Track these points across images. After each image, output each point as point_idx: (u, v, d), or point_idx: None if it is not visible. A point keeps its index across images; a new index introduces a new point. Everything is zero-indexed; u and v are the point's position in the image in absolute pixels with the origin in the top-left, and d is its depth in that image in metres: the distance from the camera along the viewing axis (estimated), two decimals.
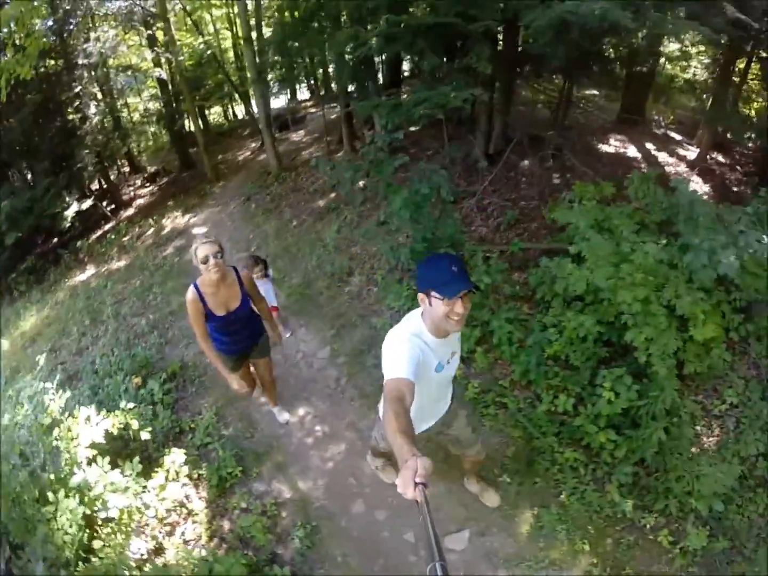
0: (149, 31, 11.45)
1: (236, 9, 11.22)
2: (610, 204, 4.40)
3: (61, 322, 6.97)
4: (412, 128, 9.90)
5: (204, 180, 11.42)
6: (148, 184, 13.69)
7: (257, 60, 9.33)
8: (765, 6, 4.75)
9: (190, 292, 3.07)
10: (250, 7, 10.29)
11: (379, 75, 10.60)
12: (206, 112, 16.91)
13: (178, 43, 12.12)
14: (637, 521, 3.17)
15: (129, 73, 13.01)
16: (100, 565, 2.81)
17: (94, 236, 10.45)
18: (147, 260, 7.93)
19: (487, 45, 5.04)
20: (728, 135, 7.42)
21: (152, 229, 9.43)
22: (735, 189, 6.96)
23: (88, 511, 2.93)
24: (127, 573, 2.81)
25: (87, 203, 10.81)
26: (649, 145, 8.50)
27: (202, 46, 12.70)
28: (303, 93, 18.92)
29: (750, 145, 8.30)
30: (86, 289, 7.87)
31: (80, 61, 9.48)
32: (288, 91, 17.38)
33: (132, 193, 13.19)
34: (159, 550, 3.30)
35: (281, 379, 4.40)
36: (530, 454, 3.57)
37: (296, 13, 8.49)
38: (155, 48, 11.38)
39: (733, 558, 3.01)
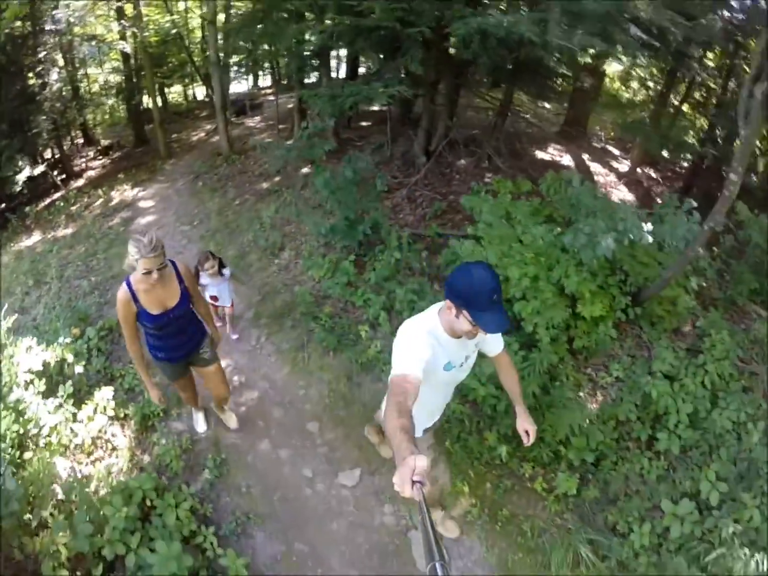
0: (118, 2, 11.49)
1: None
2: (524, 198, 5.05)
3: (5, 282, 7.15)
4: (363, 123, 10.49)
5: (156, 156, 11.62)
6: (100, 157, 13.75)
7: (219, 43, 9.64)
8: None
9: (122, 291, 2.77)
10: None
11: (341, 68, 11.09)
12: (166, 90, 16.90)
13: (146, 18, 12.20)
14: (516, 470, 3.66)
15: (93, 43, 13.07)
16: (28, 476, 3.23)
17: (42, 204, 10.53)
18: (93, 229, 8.16)
19: (420, 49, 5.62)
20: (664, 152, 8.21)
21: (101, 200, 9.60)
22: (658, 200, 7.69)
23: (22, 430, 3.34)
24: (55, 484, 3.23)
25: (39, 169, 10.87)
26: (585, 156, 9.32)
27: (168, 24, 12.77)
28: (266, 80, 19.10)
29: (683, 161, 9.23)
30: (32, 253, 8.03)
31: (47, 27, 9.55)
32: (250, 77, 17.63)
33: (84, 165, 13.21)
34: (84, 478, 3.71)
35: None
36: None
37: (258, 3, 8.89)
38: (122, 21, 11.43)
39: (604, 507, 3.42)
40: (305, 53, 7.18)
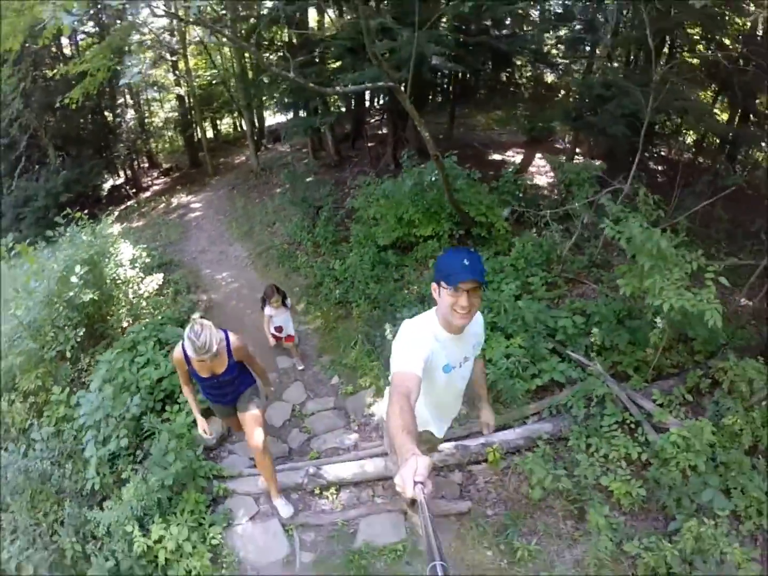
0: (172, 59, 15.21)
1: None
2: None
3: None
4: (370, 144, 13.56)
5: (205, 174, 15.03)
6: (162, 177, 17.34)
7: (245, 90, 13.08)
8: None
9: (177, 352, 3.09)
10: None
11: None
12: (218, 122, 20.59)
13: (194, 67, 15.88)
14: None
15: (155, 88, 16.86)
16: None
17: (120, 207, 14.06)
18: (158, 221, 11.49)
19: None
20: None
21: (163, 204, 13.00)
22: None
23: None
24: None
25: (119, 181, 14.53)
26: (538, 155, 11.56)
27: (209, 76, 16.45)
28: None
29: None
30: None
31: (123, 80, 13.25)
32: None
33: (150, 182, 16.78)
34: None
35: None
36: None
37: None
38: (176, 72, 15.08)
39: None
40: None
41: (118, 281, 6.26)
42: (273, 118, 19.35)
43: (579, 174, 6.22)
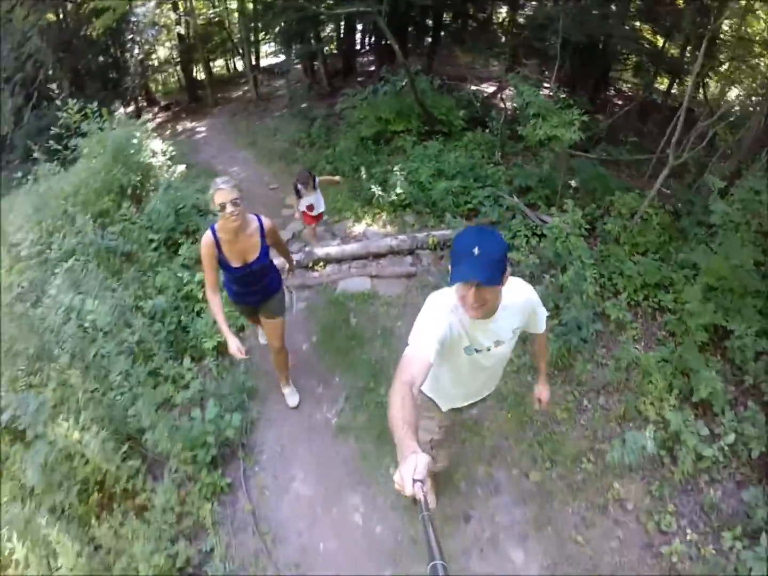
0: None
1: None
2: None
3: None
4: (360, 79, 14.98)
5: (206, 106, 16.44)
6: (163, 112, 18.64)
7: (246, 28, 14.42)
8: None
9: (206, 237, 2.91)
10: None
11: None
12: (211, 64, 21.71)
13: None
14: None
15: (156, 28, 18.03)
16: None
17: None
18: (169, 140, 12.98)
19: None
20: None
21: (169, 131, 14.46)
22: None
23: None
24: None
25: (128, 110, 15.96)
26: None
27: (211, 12, 17.62)
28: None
29: None
30: None
31: (132, 19, 14.56)
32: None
33: (152, 117, 18.14)
34: None
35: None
36: None
37: None
38: (177, 11, 16.32)
39: None
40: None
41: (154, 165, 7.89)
42: (267, 60, 20.60)
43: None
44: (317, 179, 5.62)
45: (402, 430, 1.37)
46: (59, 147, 6.46)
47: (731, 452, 3.50)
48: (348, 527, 3.21)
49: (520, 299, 1.97)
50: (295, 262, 4.21)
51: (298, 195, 5.55)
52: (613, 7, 8.90)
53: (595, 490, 3.42)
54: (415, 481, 1.15)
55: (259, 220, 3.04)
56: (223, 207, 2.74)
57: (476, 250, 1.60)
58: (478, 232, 1.72)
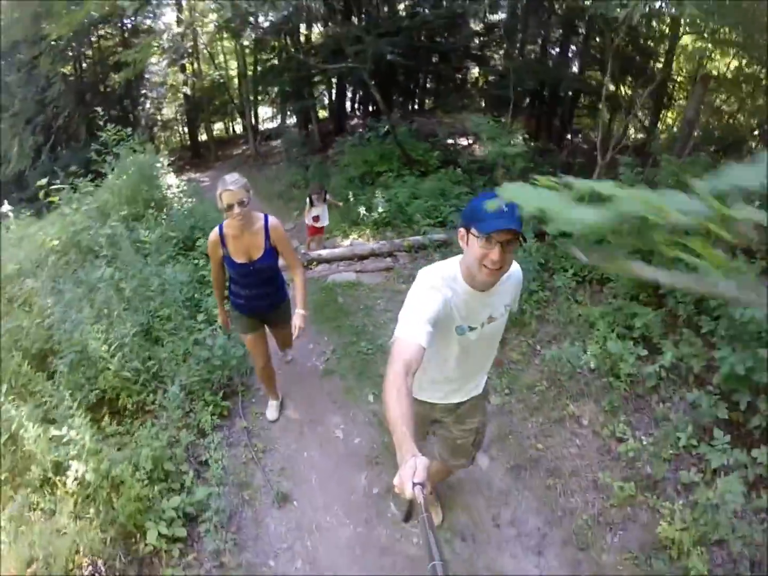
0: (183, 62, 18.03)
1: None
2: None
3: None
4: None
5: (209, 161, 17.88)
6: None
7: (247, 89, 16.13)
8: None
9: (213, 233, 3.05)
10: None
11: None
12: (212, 126, 23.38)
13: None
14: None
15: (163, 88, 19.76)
16: None
17: None
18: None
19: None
20: None
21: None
22: None
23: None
24: None
25: None
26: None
27: (216, 74, 19.33)
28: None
29: None
30: None
31: (146, 76, 16.28)
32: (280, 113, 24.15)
33: None
34: None
35: None
36: None
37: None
38: (184, 73, 17.92)
39: None
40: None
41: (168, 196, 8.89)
42: (263, 125, 22.37)
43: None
44: (328, 195, 6.79)
45: (400, 430, 1.33)
46: (97, 158, 7.32)
47: (675, 373, 3.77)
48: (330, 440, 3.78)
49: (515, 272, 1.95)
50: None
51: (311, 204, 6.65)
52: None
53: (551, 409, 3.84)
54: (414, 484, 1.14)
55: (266, 219, 3.09)
56: (230, 207, 2.83)
57: (504, 207, 1.55)
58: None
